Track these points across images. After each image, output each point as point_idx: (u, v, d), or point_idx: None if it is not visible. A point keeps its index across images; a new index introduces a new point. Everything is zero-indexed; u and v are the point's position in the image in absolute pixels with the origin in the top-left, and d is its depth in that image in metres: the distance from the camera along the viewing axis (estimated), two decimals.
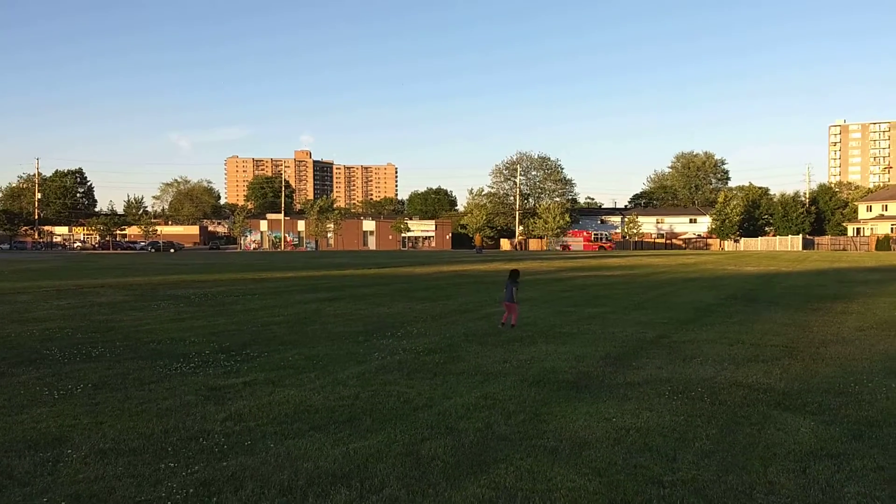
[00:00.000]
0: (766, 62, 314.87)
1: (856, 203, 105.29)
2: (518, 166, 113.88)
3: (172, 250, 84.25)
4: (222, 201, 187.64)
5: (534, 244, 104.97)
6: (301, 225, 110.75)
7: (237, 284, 22.00)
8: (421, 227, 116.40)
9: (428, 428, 5.55)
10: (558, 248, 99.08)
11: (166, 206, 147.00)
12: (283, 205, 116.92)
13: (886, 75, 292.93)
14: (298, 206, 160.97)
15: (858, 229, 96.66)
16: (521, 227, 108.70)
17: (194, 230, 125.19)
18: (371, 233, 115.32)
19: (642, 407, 6.13)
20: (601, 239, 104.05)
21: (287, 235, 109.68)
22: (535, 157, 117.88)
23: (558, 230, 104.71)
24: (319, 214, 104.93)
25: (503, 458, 4.77)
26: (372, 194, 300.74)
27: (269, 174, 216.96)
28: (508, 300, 11.44)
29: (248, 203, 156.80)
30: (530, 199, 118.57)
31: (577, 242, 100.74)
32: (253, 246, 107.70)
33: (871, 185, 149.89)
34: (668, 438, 5.20)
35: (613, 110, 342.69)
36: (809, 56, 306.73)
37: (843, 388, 6.80)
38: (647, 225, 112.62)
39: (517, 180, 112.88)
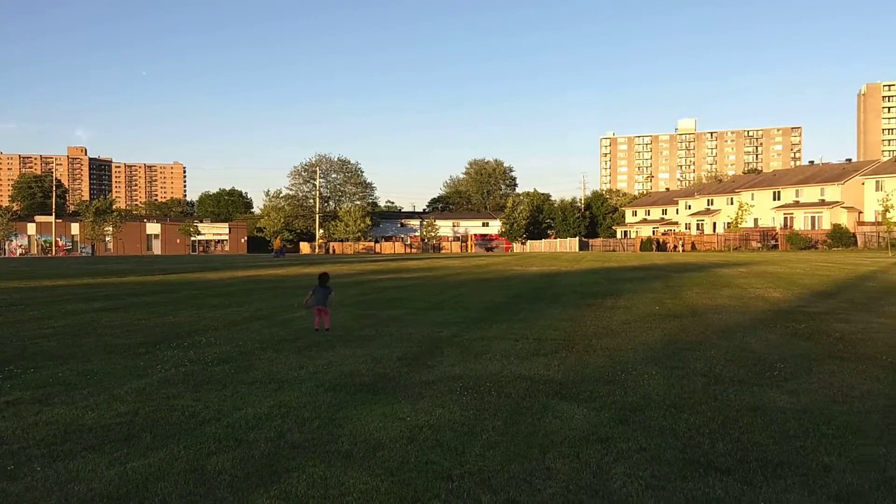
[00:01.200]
0: (551, 81, 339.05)
1: (623, 208, 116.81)
2: (317, 168, 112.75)
3: None
4: None
5: (336, 247, 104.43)
6: (75, 228, 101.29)
7: None
8: (213, 231, 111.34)
9: (215, 441, 5.31)
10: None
11: None
12: (54, 206, 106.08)
13: (648, 94, 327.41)
14: (72, 208, 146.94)
15: (626, 232, 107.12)
16: (321, 231, 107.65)
17: None
18: (156, 236, 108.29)
19: (435, 404, 6.32)
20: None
21: (59, 239, 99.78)
22: (335, 159, 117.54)
23: (359, 233, 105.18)
24: (96, 216, 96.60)
25: (295, 467, 4.69)
26: (157, 195, 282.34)
27: (39, 172, 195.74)
28: (320, 304, 11.30)
29: (14, 204, 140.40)
30: (330, 202, 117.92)
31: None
32: (19, 251, 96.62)
33: (636, 193, 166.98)
34: (458, 433, 5.42)
35: (412, 117, 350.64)
36: (582, 78, 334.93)
37: (612, 377, 7.48)
38: (445, 228, 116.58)
39: (317, 182, 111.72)
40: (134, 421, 5.91)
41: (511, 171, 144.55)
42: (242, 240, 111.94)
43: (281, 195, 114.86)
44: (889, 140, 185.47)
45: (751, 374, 7.57)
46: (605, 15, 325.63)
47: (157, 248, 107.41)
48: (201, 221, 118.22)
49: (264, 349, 9.64)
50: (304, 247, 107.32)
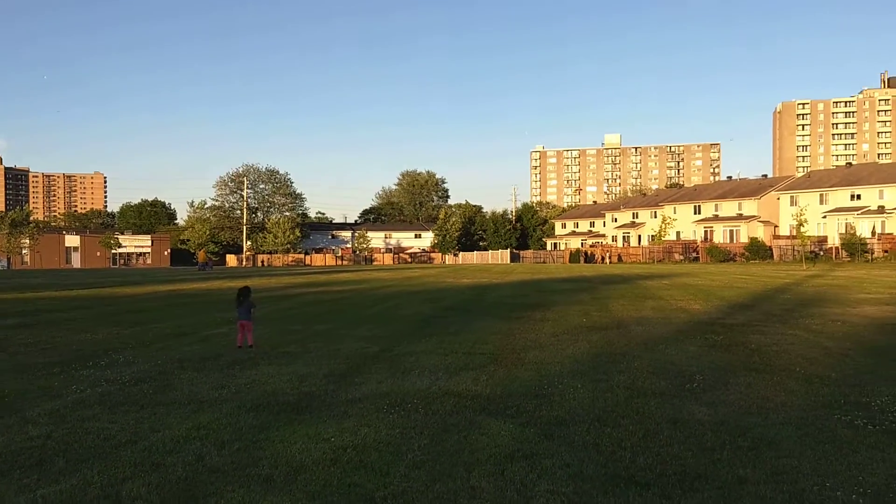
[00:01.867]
0: (479, 91, 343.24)
1: (553, 221, 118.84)
2: (245, 179, 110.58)
3: None
4: None
5: (265, 259, 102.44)
6: None
7: None
8: (135, 243, 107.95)
9: (131, 466, 5.11)
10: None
11: None
12: None
13: (577, 108, 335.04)
14: None
15: (556, 244, 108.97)
16: (249, 243, 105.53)
17: None
18: (75, 249, 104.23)
19: (361, 423, 6.23)
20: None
21: None
22: (263, 169, 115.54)
23: (288, 245, 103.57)
24: (12, 229, 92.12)
25: (213, 492, 4.54)
26: (77, 206, 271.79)
27: None
28: (245, 319, 11.01)
29: None
30: (258, 213, 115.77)
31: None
32: None
33: (565, 205, 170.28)
34: (384, 453, 5.35)
35: (343, 126, 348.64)
36: (510, 87, 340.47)
37: (539, 391, 7.54)
38: (377, 240, 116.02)
39: (244, 193, 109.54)
40: (46, 445, 5.65)
41: (443, 182, 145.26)
42: (166, 252, 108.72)
43: (206, 206, 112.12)
44: (803, 157, 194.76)
45: (671, 386, 7.76)
46: (536, 29, 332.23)
47: (76, 261, 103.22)
48: (123, 233, 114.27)
49: (184, 368, 9.34)
50: (231, 259, 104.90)
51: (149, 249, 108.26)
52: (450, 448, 5.46)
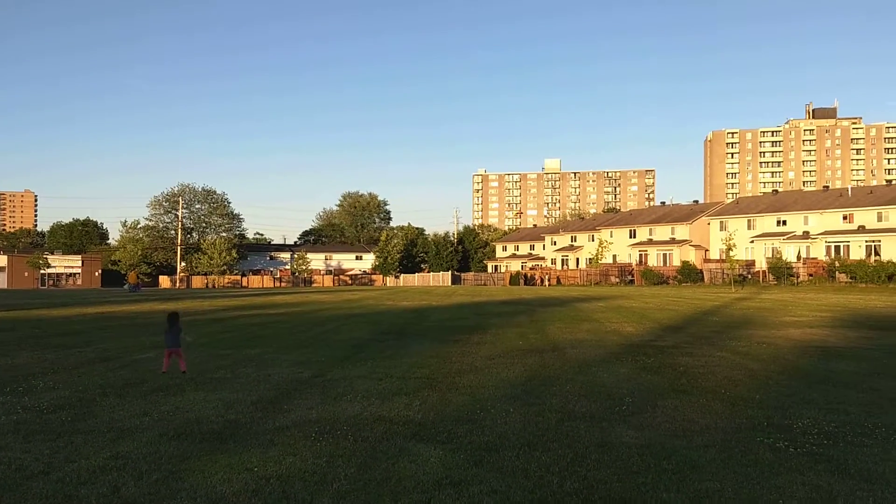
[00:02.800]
0: (423, 116, 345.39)
1: (494, 243, 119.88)
2: (180, 198, 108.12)
3: None
4: None
5: (197, 281, 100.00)
6: None
7: None
8: (65, 263, 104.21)
9: (41, 498, 4.87)
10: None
11: None
12: None
13: (518, 132, 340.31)
14: None
15: (496, 266, 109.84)
16: (183, 264, 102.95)
17: None
18: (2, 269, 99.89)
19: (287, 452, 6.07)
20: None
21: None
22: (199, 189, 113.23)
23: (224, 267, 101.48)
24: None
25: None
26: (5, 225, 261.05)
27: None
28: (173, 345, 10.65)
29: None
30: (194, 234, 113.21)
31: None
32: None
33: (506, 228, 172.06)
34: (308, 483, 5.21)
35: (285, 148, 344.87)
36: (453, 113, 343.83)
37: (471, 416, 7.51)
38: (317, 261, 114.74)
39: (179, 213, 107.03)
40: None
41: (386, 204, 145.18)
42: (97, 273, 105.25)
43: (140, 226, 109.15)
44: (732, 183, 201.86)
45: (601, 409, 7.83)
46: (475, 57, 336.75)
47: (2, 281, 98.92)
48: (52, 253, 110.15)
49: (106, 394, 8.98)
50: (164, 280, 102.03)
51: (79, 270, 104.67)
52: (377, 476, 5.36)
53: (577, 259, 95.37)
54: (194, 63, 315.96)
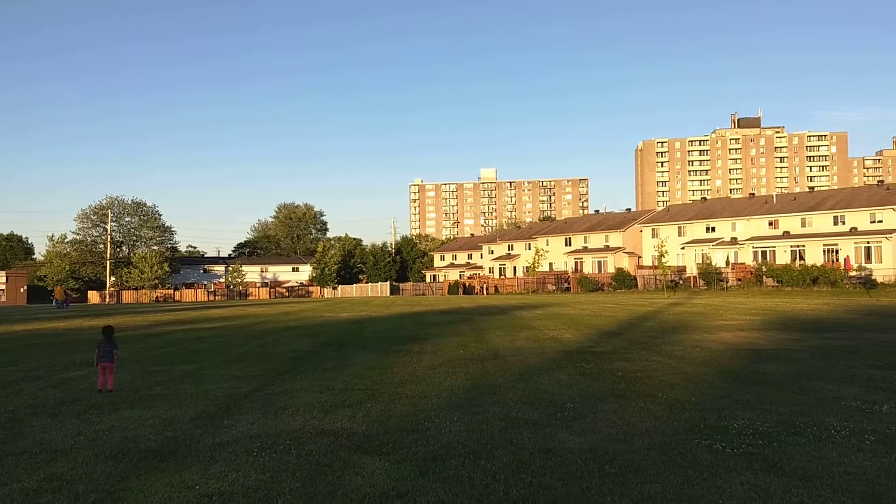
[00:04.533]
0: (358, 127, 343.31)
1: (432, 253, 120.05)
2: (109, 211, 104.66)
3: None
4: None
5: (130, 296, 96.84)
6: None
7: None
8: None
9: None
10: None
11: None
12: None
13: (453, 142, 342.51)
14: None
15: (435, 276, 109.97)
16: (112, 278, 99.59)
17: None
18: None
19: (229, 468, 5.95)
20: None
21: None
22: (129, 202, 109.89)
23: (156, 281, 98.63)
24: None
25: None
26: None
27: None
28: (107, 360, 10.28)
29: None
30: (124, 248, 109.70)
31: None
32: None
33: (444, 237, 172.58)
34: (252, 499, 5.12)
35: (217, 162, 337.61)
36: (389, 123, 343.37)
37: (415, 426, 7.50)
38: (252, 274, 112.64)
39: (108, 227, 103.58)
40: None
41: (322, 215, 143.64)
42: (22, 289, 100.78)
43: (67, 240, 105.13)
44: (662, 191, 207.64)
45: (544, 415, 7.94)
46: (411, 69, 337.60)
47: None
48: None
49: (37, 414, 8.63)
50: (93, 296, 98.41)
51: (3, 286, 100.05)
52: (322, 490, 5.31)
53: (515, 268, 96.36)
54: (123, 75, 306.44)
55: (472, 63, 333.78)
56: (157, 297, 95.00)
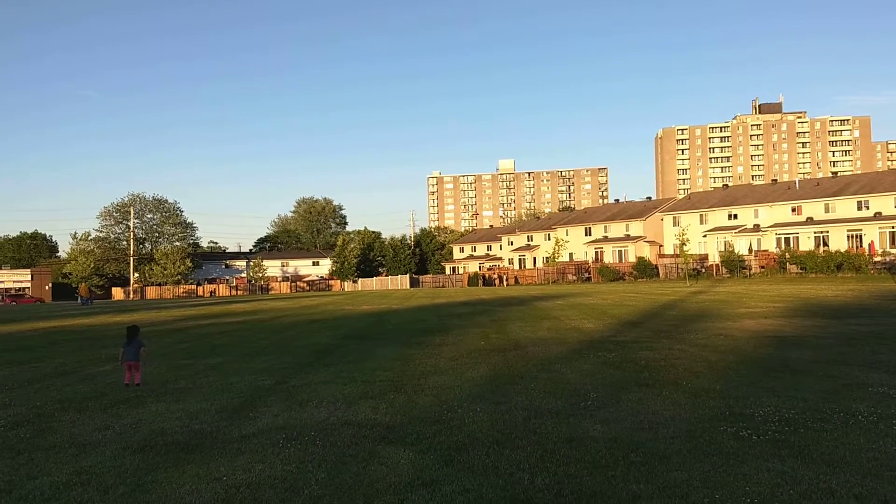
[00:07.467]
0: (376, 120, 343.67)
1: (451, 245, 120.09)
2: (131, 209, 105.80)
3: None
4: None
5: (154, 292, 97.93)
6: None
7: None
8: (13, 278, 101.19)
9: None
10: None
11: None
12: None
13: (472, 135, 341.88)
14: None
15: (454, 268, 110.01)
16: (136, 275, 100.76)
17: None
18: None
19: (255, 460, 6.01)
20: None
21: None
22: (151, 199, 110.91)
23: (179, 277, 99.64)
24: None
25: None
26: None
27: None
28: (133, 359, 10.40)
29: None
30: (147, 244, 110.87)
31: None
32: None
33: (462, 229, 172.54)
34: (279, 490, 5.17)
35: (238, 156, 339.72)
36: (407, 115, 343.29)
37: (438, 417, 7.53)
38: (273, 268, 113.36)
39: (131, 224, 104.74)
40: None
41: (341, 209, 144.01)
42: (47, 287, 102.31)
43: (90, 238, 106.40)
44: (683, 179, 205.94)
45: (567, 405, 7.93)
46: (430, 60, 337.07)
47: None
48: (0, 268, 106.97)
49: (66, 409, 8.76)
50: (118, 292, 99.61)
51: (29, 284, 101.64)
52: (348, 480, 5.34)
53: (535, 258, 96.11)
54: (142, 72, 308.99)
55: (489, 54, 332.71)
56: (180, 293, 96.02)
